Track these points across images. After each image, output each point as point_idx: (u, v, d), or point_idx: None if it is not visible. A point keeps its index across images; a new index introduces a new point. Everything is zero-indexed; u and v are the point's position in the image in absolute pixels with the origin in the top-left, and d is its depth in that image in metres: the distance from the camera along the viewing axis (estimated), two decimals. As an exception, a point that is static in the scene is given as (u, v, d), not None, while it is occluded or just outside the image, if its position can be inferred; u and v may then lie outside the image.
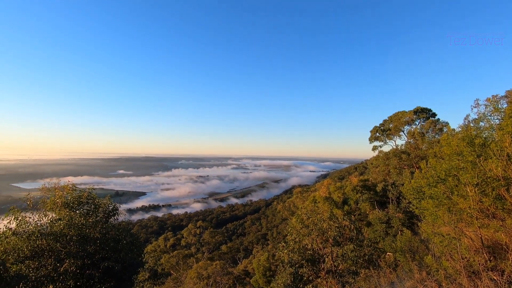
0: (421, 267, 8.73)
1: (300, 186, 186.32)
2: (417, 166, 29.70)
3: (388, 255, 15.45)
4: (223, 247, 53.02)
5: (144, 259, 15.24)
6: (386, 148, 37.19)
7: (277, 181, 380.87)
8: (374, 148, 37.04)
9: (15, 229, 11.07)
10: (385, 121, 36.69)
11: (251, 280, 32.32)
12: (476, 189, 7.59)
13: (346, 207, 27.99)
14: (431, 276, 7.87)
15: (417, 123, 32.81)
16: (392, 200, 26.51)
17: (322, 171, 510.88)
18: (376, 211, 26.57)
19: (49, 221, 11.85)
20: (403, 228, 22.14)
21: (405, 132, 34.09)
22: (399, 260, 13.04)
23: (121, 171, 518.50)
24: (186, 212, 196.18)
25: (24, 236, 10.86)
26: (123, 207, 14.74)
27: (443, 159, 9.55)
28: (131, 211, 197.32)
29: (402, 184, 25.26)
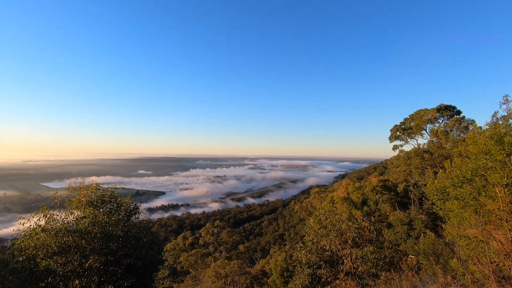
0: (446, 271, 8.38)
1: (317, 186, 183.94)
2: (441, 166, 28.53)
3: (410, 257, 14.95)
4: (241, 247, 53.28)
5: (164, 257, 15.61)
6: (407, 148, 35.95)
7: (294, 181, 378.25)
8: (395, 148, 35.94)
9: (44, 226, 11.66)
10: (406, 119, 35.50)
11: (268, 280, 32.27)
12: (506, 190, 7.19)
13: (365, 208, 27.34)
14: (456, 280, 7.54)
15: (441, 121, 31.51)
16: (414, 201, 25.59)
17: (340, 171, 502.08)
18: (397, 212, 25.76)
19: (75, 219, 12.39)
20: (426, 230, 21.29)
21: (427, 130, 32.84)
22: (422, 263, 12.58)
23: (142, 171, 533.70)
24: (204, 211, 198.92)
25: (52, 233, 11.40)
26: (143, 206, 15.16)
27: (469, 158, 9.10)
28: (151, 210, 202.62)
29: (425, 185, 24.33)
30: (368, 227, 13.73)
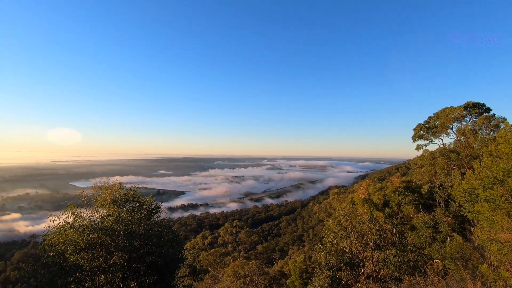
0: (475, 277, 7.96)
1: (336, 187, 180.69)
2: (469, 166, 27.15)
3: (435, 262, 14.34)
4: (259, 247, 53.32)
5: (184, 256, 15.92)
6: (432, 147, 34.45)
7: (312, 181, 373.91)
8: (418, 147, 34.61)
9: (72, 223, 12.26)
10: (430, 118, 34.08)
11: (287, 281, 32.06)
12: (542, 192, 6.72)
13: (387, 210, 26.52)
14: (487, 287, 7.14)
15: (468, 119, 29.99)
16: (440, 203, 24.51)
17: (360, 171, 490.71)
18: (421, 215, 24.78)
19: (100, 217, 12.93)
20: (453, 234, 20.34)
21: (453, 129, 31.36)
22: (449, 268, 12.02)
23: (162, 171, 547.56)
24: (223, 211, 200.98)
25: (79, 230, 11.96)
26: (164, 205, 15.54)
27: (500, 158, 8.60)
28: (171, 209, 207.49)
29: (452, 186, 23.25)
30: (391, 229, 13.29)
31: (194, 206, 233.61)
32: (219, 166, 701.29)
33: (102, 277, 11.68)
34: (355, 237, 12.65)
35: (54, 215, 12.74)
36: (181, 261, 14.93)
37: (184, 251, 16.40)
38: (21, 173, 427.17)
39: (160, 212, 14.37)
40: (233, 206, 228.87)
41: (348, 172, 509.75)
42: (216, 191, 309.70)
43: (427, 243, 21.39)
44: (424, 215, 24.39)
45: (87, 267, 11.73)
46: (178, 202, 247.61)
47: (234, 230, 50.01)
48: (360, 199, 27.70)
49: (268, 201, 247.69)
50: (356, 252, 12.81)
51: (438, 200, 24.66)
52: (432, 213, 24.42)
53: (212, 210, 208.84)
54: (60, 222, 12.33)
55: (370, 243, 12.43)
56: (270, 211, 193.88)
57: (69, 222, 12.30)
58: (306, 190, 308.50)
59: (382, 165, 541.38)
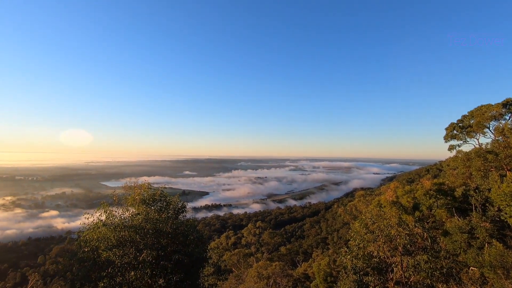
0: (518, 287, 7.38)
1: (362, 189, 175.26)
2: (509, 168, 25.25)
3: (471, 269, 13.47)
4: (282, 249, 52.99)
5: (208, 255, 16.21)
6: (466, 148, 32.41)
7: (337, 183, 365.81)
8: (451, 148, 32.75)
9: (105, 221, 12.95)
10: (464, 116, 32.12)
11: (311, 284, 31.59)
12: None
13: (417, 213, 25.32)
14: (532, 299, 6.59)
15: (507, 117, 27.93)
16: (476, 207, 22.98)
17: (388, 173, 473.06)
18: (455, 219, 23.37)
19: (130, 215, 13.55)
20: (492, 240, 18.97)
21: (491, 128, 29.34)
22: (488, 277, 11.24)
23: (187, 172, 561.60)
24: (246, 212, 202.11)
25: (111, 227, 12.60)
26: (189, 205, 15.95)
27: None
28: (195, 209, 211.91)
29: (489, 189, 21.73)
30: (421, 234, 12.67)
31: (217, 207, 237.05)
32: (242, 167, 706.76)
33: (132, 273, 12.21)
34: (383, 241, 12.20)
35: (88, 213, 13.53)
36: (206, 260, 15.22)
37: (208, 251, 16.71)
38: (59, 173, 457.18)
39: (186, 212, 14.78)
40: (256, 207, 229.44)
41: (374, 173, 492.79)
42: (239, 192, 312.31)
43: (462, 249, 20.12)
44: (458, 219, 22.98)
45: (118, 263, 12.31)
46: (202, 202, 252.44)
47: (257, 231, 50.06)
48: (387, 201, 26.69)
49: (291, 202, 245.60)
50: (384, 257, 12.35)
51: (474, 204, 23.13)
52: (467, 217, 22.95)
53: (235, 211, 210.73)
54: (94, 220, 13.07)
55: (399, 248, 11.93)
56: (293, 212, 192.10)
57: (102, 220, 13.00)
58: (330, 192, 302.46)
59: (411, 167, 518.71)
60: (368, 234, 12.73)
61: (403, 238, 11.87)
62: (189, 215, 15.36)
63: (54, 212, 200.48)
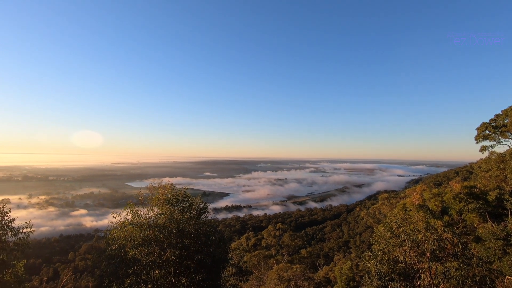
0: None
1: (386, 191, 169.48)
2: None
3: (507, 279, 12.63)
4: (303, 251, 52.30)
5: (229, 256, 16.39)
6: (500, 149, 30.44)
7: (359, 185, 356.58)
8: (483, 149, 30.91)
9: (131, 220, 13.47)
10: (497, 116, 30.20)
11: (333, 289, 30.99)
12: None
13: (445, 218, 24.10)
14: None
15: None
16: (512, 212, 21.55)
17: (413, 175, 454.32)
18: (488, 225, 22.02)
19: (154, 215, 14.00)
20: (530, 248, 17.71)
21: (528, 128, 27.43)
22: (525, 287, 10.51)
23: (208, 173, 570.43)
24: (266, 213, 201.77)
25: (137, 226, 13.08)
26: (209, 206, 16.22)
27: None
28: (216, 210, 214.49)
29: (526, 193, 20.33)
30: (451, 239, 12.07)
31: (237, 208, 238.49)
32: (262, 169, 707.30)
33: (157, 271, 12.59)
34: (410, 246, 11.75)
35: (115, 212, 14.13)
36: (227, 260, 15.39)
37: (230, 251, 16.90)
38: (87, 174, 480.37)
39: (208, 213, 15.04)
40: (276, 209, 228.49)
41: (398, 176, 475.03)
42: (259, 194, 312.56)
43: (497, 257, 18.91)
44: (492, 225, 21.65)
45: (144, 261, 12.74)
46: (222, 203, 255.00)
47: (277, 233, 49.72)
48: (413, 205, 25.62)
49: (312, 204, 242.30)
50: (411, 263, 11.89)
51: (510, 209, 21.68)
52: (502, 223, 21.58)
53: (255, 212, 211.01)
54: (121, 219, 13.63)
55: (427, 254, 11.43)
56: (314, 215, 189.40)
57: (128, 219, 13.53)
58: (352, 194, 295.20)
59: (438, 169, 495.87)
60: (393, 239, 12.31)
61: (431, 243, 11.37)
62: (210, 216, 15.63)
63: (83, 211, 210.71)
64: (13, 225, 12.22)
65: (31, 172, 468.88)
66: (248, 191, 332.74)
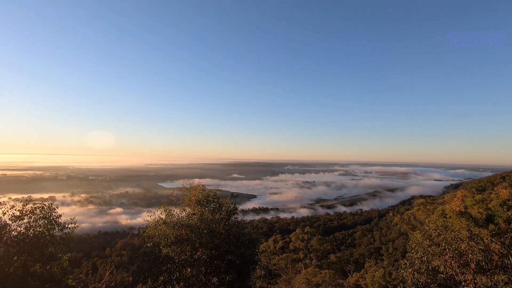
0: None
1: (421, 196, 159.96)
2: None
3: None
4: (332, 256, 50.99)
5: (258, 258, 16.39)
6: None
7: (391, 189, 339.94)
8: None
9: (165, 219, 14.01)
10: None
11: (365, 297, 29.79)
12: None
13: (491, 226, 22.12)
14: None
15: None
16: None
17: (452, 179, 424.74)
18: (542, 236, 19.93)
19: (186, 215, 14.45)
20: None
21: None
22: None
23: (235, 175, 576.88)
24: (293, 216, 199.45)
25: (170, 225, 13.59)
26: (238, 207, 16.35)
27: None
28: (243, 212, 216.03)
29: None
30: (499, 250, 11.09)
31: (265, 210, 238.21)
32: (289, 171, 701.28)
33: (189, 270, 12.95)
34: (451, 255, 10.98)
35: (150, 211, 14.79)
36: (256, 262, 15.42)
37: (259, 253, 16.93)
38: (122, 174, 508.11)
39: (237, 214, 15.22)
40: (304, 212, 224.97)
41: (436, 180, 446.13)
42: (286, 196, 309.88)
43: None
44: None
45: (177, 260, 13.17)
46: (250, 205, 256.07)
47: (305, 237, 48.92)
48: (454, 211, 23.89)
49: (341, 208, 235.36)
50: (453, 273, 11.10)
51: None
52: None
53: (282, 215, 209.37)
54: (155, 218, 14.24)
55: (472, 265, 10.61)
56: (343, 219, 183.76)
57: (162, 218, 14.10)
58: (384, 199, 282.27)
59: (481, 173, 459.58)
60: (432, 247, 11.58)
61: (476, 254, 10.54)
62: (238, 217, 15.79)
63: (119, 209, 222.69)
64: (59, 220, 13.25)
65: (73, 172, 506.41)
66: (275, 193, 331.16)
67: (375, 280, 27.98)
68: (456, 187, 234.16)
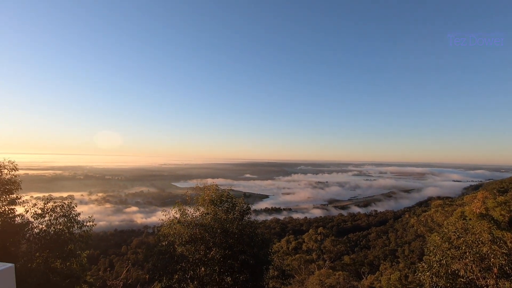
0: None
1: (439, 198, 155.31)
2: None
3: None
4: (346, 258, 50.21)
5: (271, 258, 16.38)
6: None
7: (407, 190, 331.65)
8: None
9: (179, 218, 14.21)
10: None
11: (380, 300, 29.19)
12: None
13: (515, 229, 21.28)
14: None
15: None
16: None
17: (472, 180, 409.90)
18: None
19: (200, 214, 14.60)
20: None
21: None
22: None
23: (248, 175, 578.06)
24: (306, 217, 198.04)
25: (185, 225, 13.77)
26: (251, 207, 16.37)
27: None
28: (256, 212, 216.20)
29: None
30: (524, 254, 10.62)
31: (277, 210, 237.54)
32: (302, 171, 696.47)
33: (203, 269, 13.09)
34: (472, 259, 10.60)
35: (165, 210, 15.05)
36: (269, 262, 15.40)
37: (272, 254, 16.89)
38: (138, 174, 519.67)
39: (250, 214, 15.24)
40: (317, 213, 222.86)
41: (454, 181, 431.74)
42: (299, 196, 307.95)
43: None
44: None
45: (191, 259, 13.33)
46: (262, 205, 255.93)
47: (318, 237, 48.45)
48: (474, 213, 23.06)
49: (355, 209, 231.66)
50: (473, 278, 10.71)
51: None
52: None
53: (295, 215, 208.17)
54: (170, 217, 14.48)
55: (494, 269, 10.21)
56: (357, 220, 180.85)
57: (176, 217, 14.31)
58: (399, 200, 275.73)
59: (503, 174, 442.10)
60: (452, 250, 11.20)
61: (498, 258, 10.13)
62: (252, 217, 15.81)
63: (134, 208, 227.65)
64: (78, 218, 13.72)
65: (91, 172, 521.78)
66: (288, 193, 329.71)
67: (390, 283, 27.38)
68: (476, 188, 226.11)
